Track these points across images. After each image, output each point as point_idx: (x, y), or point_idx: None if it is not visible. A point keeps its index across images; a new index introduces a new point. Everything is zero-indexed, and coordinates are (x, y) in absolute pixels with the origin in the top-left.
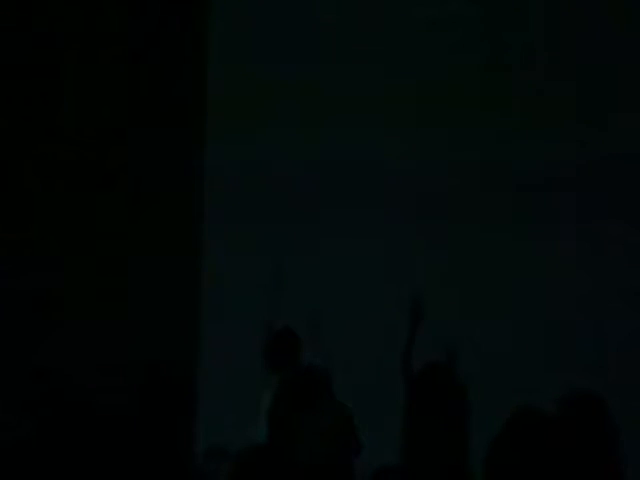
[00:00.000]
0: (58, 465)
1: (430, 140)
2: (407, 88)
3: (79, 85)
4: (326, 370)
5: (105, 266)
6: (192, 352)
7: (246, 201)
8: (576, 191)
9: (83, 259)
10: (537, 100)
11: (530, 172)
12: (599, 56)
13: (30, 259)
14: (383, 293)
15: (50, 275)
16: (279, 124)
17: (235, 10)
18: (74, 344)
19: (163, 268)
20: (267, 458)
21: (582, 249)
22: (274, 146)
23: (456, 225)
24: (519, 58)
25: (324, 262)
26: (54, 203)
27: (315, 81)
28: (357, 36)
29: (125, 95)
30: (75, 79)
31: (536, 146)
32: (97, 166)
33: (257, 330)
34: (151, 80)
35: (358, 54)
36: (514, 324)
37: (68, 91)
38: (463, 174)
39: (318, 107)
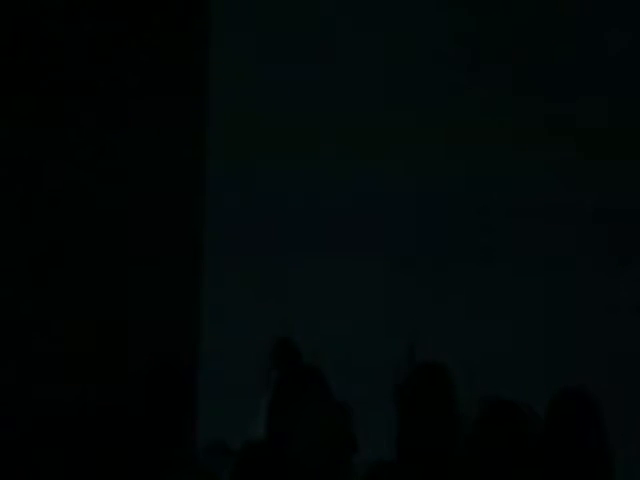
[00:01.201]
0: (55, 462)
1: (430, 157)
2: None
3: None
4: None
5: (104, 267)
6: (193, 350)
7: (247, 219)
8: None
9: (81, 260)
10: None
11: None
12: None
13: (29, 255)
14: (383, 321)
15: (48, 282)
16: (279, 137)
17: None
18: (72, 343)
19: (164, 268)
20: (269, 454)
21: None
22: (273, 168)
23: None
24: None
25: (322, 287)
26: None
27: (315, 82)
28: (358, 37)
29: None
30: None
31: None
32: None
33: (258, 329)
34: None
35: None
36: (516, 333)
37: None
38: (462, 194)
39: (319, 112)
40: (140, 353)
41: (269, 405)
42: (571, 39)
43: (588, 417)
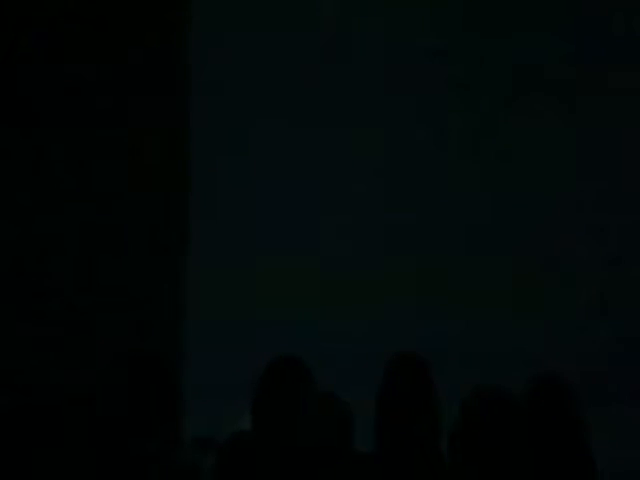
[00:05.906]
0: (42, 460)
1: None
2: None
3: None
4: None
5: (91, 259)
6: (179, 343)
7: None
8: None
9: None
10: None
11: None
12: None
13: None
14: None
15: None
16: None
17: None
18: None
19: (150, 258)
20: (252, 445)
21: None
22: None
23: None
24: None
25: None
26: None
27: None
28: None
29: None
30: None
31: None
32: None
33: (248, 320)
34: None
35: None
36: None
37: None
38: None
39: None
40: (119, 345)
41: (255, 395)
42: None
43: (563, 404)
